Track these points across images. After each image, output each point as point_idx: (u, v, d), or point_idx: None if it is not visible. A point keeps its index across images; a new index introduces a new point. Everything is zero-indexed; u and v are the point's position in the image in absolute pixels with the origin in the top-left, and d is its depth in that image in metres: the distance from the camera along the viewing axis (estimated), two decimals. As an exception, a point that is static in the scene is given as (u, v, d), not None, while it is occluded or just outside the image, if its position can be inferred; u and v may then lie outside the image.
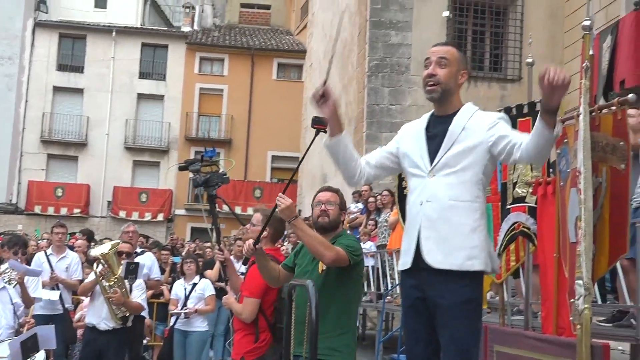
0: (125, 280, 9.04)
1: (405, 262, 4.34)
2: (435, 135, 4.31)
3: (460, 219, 4.18)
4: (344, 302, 5.24)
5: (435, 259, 4.17)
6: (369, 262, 12.86)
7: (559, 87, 3.75)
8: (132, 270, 9.13)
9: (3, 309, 8.00)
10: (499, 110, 7.61)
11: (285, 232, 13.36)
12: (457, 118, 4.30)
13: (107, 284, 8.95)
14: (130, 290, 9.14)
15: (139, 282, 9.37)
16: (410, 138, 4.46)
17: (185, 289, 11.52)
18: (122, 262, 9.11)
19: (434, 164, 4.26)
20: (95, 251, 9.33)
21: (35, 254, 11.95)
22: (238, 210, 34.47)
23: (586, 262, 4.81)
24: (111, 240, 12.76)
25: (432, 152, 4.29)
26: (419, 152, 4.35)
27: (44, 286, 10.56)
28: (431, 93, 4.33)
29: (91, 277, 9.31)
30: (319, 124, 4.88)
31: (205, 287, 11.55)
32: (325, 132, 4.95)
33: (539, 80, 3.78)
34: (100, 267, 8.96)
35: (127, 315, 9.10)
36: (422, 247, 4.22)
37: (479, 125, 4.25)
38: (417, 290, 4.29)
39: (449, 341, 4.16)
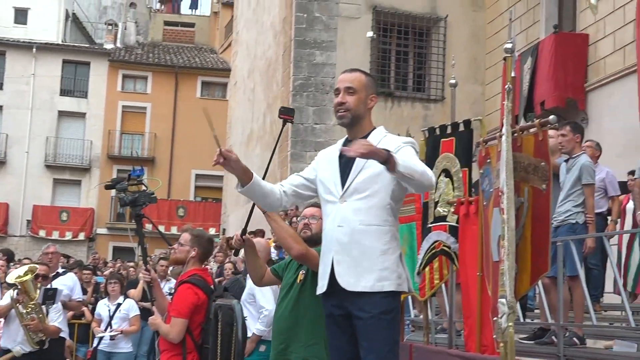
0: (43, 306, 8.88)
1: (322, 285, 4.44)
2: (347, 160, 4.40)
3: (371, 242, 4.29)
4: (319, 312, 5.24)
5: (348, 282, 4.28)
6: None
7: (367, 153, 3.91)
8: (50, 296, 8.95)
9: None
10: (423, 131, 7.79)
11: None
12: None
13: (24, 310, 8.77)
14: (47, 314, 8.96)
15: (56, 305, 9.17)
16: (325, 164, 4.58)
17: (109, 309, 11.38)
18: (39, 285, 8.93)
19: (344, 189, 4.38)
20: (11, 276, 9.09)
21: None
22: (161, 229, 34.05)
23: (509, 280, 4.90)
24: (31, 260, 12.42)
25: (344, 178, 4.41)
26: (332, 179, 4.46)
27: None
28: (342, 119, 4.48)
29: (6, 299, 9.11)
30: (285, 114, 4.88)
31: (130, 307, 11.43)
32: (292, 122, 5.00)
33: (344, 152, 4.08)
34: (17, 292, 8.78)
35: (44, 339, 8.92)
36: (335, 271, 4.32)
37: None
38: (338, 308, 4.39)
39: (367, 352, 4.26)
